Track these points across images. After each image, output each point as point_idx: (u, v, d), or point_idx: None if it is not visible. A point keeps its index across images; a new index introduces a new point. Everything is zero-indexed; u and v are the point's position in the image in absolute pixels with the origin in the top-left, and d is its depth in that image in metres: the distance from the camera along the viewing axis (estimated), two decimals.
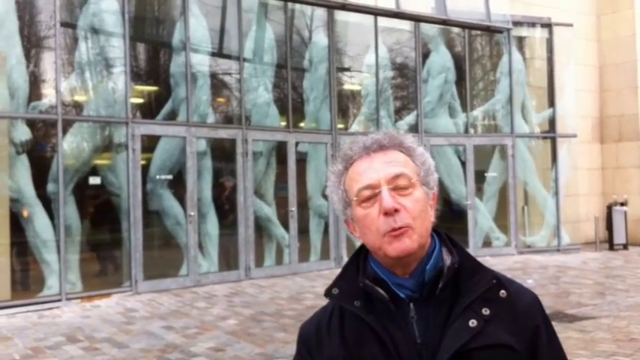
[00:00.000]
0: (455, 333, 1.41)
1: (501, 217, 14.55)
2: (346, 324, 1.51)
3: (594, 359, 6.55)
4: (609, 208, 15.00)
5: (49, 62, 10.42)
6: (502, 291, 1.47)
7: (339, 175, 1.54)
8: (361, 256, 1.55)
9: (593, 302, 9.43)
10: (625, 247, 14.86)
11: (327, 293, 1.54)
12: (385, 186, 1.46)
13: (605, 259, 13.55)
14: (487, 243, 14.43)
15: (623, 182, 16.01)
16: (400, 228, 1.43)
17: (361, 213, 1.48)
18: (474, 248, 13.58)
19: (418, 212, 1.46)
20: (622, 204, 15.03)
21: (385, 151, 1.51)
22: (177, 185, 11.29)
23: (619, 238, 14.86)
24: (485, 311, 1.43)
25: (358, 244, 1.57)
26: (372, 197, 1.47)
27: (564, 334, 7.40)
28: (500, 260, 13.18)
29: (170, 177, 11.30)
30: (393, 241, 1.43)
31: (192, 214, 11.04)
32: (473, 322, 1.41)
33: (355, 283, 1.51)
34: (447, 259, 1.49)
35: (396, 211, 1.43)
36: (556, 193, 14.94)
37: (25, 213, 9.81)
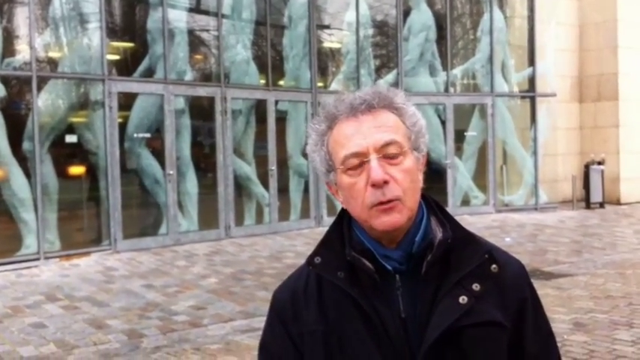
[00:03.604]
0: (444, 310, 1.34)
1: (480, 176, 14.63)
2: (325, 294, 1.42)
3: (571, 316, 6.65)
4: (587, 168, 15.12)
5: (22, 17, 10.16)
6: (494, 265, 1.39)
7: (321, 135, 1.43)
8: (344, 222, 1.46)
9: (570, 260, 9.56)
10: (602, 205, 15.02)
11: (310, 262, 1.44)
12: (374, 154, 1.35)
13: (582, 218, 13.72)
14: (466, 202, 14.54)
15: (601, 142, 16.12)
16: (389, 201, 1.34)
17: (347, 181, 1.38)
18: (452, 207, 13.67)
19: (408, 183, 1.36)
20: (599, 163, 15.16)
21: (374, 113, 1.38)
22: (156, 144, 11.17)
23: (596, 196, 15.02)
24: (476, 287, 1.36)
25: (338, 204, 1.48)
26: (358, 165, 1.36)
27: (542, 291, 7.49)
28: (479, 219, 13.29)
29: (148, 135, 11.17)
30: (381, 215, 1.34)
31: (171, 172, 10.94)
32: (463, 299, 1.34)
33: (339, 253, 1.41)
34: (438, 231, 1.40)
35: (385, 182, 1.34)
36: (534, 153, 15.03)
37: (1, 173, 9.67)
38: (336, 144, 1.40)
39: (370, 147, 1.36)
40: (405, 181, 1.36)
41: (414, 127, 1.42)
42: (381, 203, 1.34)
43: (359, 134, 1.37)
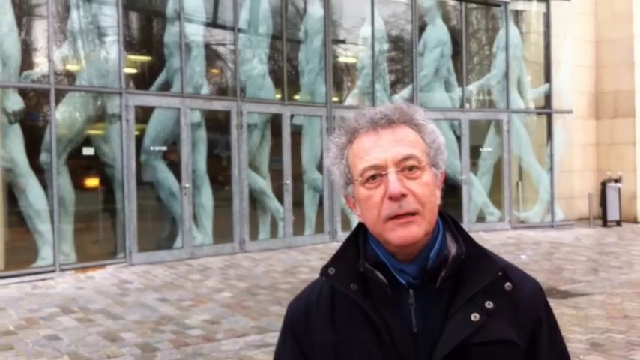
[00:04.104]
0: (455, 326, 1.33)
1: (495, 193, 14.56)
2: (337, 306, 1.43)
3: (588, 336, 6.57)
4: (603, 185, 15.01)
5: (41, 30, 10.28)
6: (507, 283, 1.38)
7: (341, 148, 1.44)
8: (360, 235, 1.46)
9: (587, 279, 9.47)
10: (618, 223, 14.90)
11: (324, 273, 1.45)
12: (392, 168, 1.36)
13: (599, 236, 13.59)
14: (481, 218, 14.46)
15: (618, 159, 16.02)
16: (406, 214, 1.34)
17: (364, 194, 1.39)
18: (467, 223, 13.60)
19: (427, 198, 1.36)
20: (616, 180, 15.05)
21: (394, 128, 1.39)
22: (172, 157, 11.22)
23: (612, 214, 14.90)
24: (489, 304, 1.35)
25: (353, 217, 1.49)
26: (377, 177, 1.37)
27: (558, 310, 7.42)
28: (494, 235, 13.21)
29: (164, 148, 11.22)
30: (397, 229, 1.34)
31: (186, 185, 10.97)
32: (475, 316, 1.34)
33: (353, 265, 1.42)
34: (452, 247, 1.40)
35: (403, 196, 1.34)
36: (550, 169, 14.94)
37: (22, 184, 9.74)
38: (355, 157, 1.41)
39: (389, 161, 1.37)
40: (424, 195, 1.36)
41: (433, 144, 1.44)
42: (398, 216, 1.35)
43: (378, 148, 1.38)
